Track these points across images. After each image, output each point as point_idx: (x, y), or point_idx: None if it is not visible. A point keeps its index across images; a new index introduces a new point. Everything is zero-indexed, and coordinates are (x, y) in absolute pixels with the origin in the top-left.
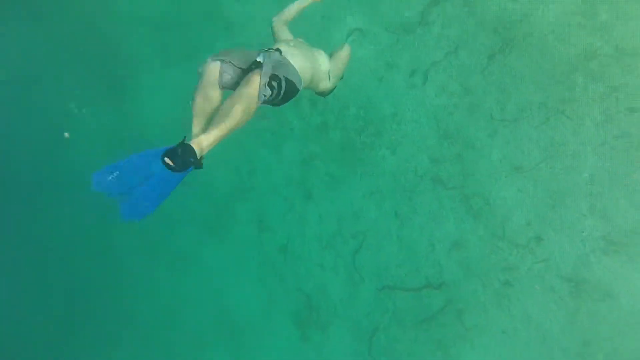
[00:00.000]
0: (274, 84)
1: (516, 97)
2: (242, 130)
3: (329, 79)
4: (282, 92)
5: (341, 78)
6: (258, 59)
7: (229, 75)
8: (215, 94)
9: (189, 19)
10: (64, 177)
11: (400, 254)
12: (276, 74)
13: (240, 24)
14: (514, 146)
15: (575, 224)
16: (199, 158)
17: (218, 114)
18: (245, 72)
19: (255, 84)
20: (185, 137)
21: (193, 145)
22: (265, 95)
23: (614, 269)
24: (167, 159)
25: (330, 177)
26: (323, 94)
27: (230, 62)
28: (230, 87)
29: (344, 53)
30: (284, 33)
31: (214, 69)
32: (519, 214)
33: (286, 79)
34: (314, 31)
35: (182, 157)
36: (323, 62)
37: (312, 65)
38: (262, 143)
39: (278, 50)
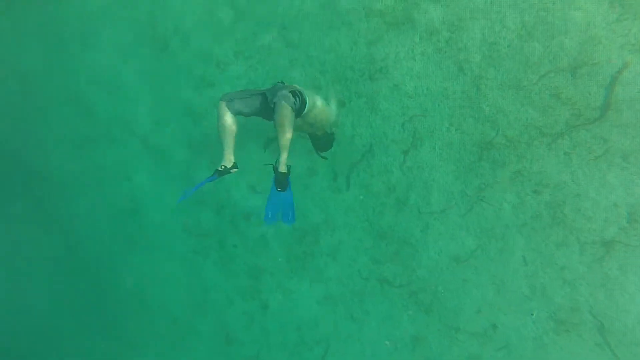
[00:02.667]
0: (293, 93)
1: (437, 189)
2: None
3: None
4: (299, 99)
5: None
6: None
7: (237, 104)
8: (228, 119)
9: None
10: None
11: (366, 356)
12: (291, 89)
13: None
14: (448, 237)
15: (521, 306)
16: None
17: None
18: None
19: (282, 101)
20: (273, 165)
21: (282, 170)
22: (292, 101)
23: (570, 349)
24: (278, 189)
25: (281, 288)
26: (324, 133)
27: (233, 98)
28: (241, 112)
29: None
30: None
31: (222, 105)
32: (468, 303)
33: (299, 91)
34: None
35: (281, 180)
36: (317, 99)
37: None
38: (210, 262)
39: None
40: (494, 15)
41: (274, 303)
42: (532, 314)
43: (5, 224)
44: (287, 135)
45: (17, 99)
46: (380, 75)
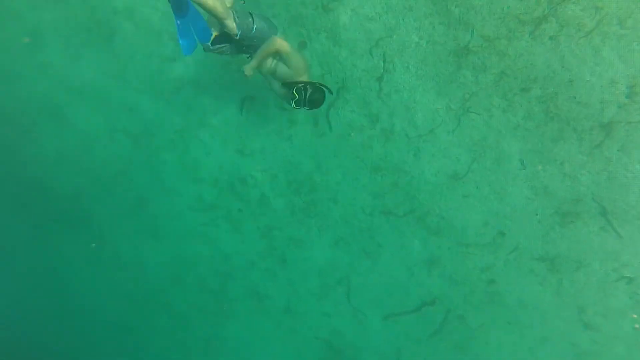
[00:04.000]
0: None
1: (421, 110)
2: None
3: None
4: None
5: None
6: None
7: None
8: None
9: None
10: None
11: (387, 286)
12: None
13: None
14: (441, 157)
15: (526, 209)
16: None
17: None
18: None
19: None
20: None
21: None
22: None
23: (577, 238)
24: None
25: (293, 241)
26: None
27: None
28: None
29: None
30: None
31: None
32: (474, 217)
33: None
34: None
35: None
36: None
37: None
38: (223, 231)
39: None
40: None
41: (290, 256)
42: (537, 214)
43: None
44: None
45: None
46: (335, 3)
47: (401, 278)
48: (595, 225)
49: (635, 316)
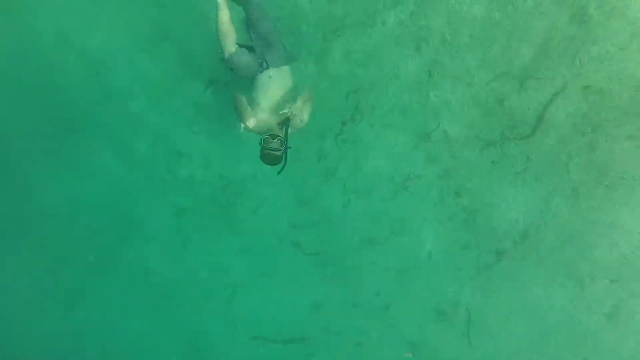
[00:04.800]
0: None
1: (367, 168)
2: None
3: None
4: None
5: None
6: None
7: None
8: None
9: None
10: None
11: (269, 309)
12: None
13: None
14: (366, 219)
15: (420, 296)
16: None
17: None
18: None
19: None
20: None
21: None
22: None
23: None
24: None
25: (203, 230)
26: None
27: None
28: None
29: None
30: None
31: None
32: (370, 283)
33: None
34: None
35: None
36: None
37: None
38: (140, 194)
39: None
40: None
41: (195, 241)
42: (410, 356)
43: None
44: None
45: None
46: (335, 36)
47: (284, 309)
48: (459, 332)
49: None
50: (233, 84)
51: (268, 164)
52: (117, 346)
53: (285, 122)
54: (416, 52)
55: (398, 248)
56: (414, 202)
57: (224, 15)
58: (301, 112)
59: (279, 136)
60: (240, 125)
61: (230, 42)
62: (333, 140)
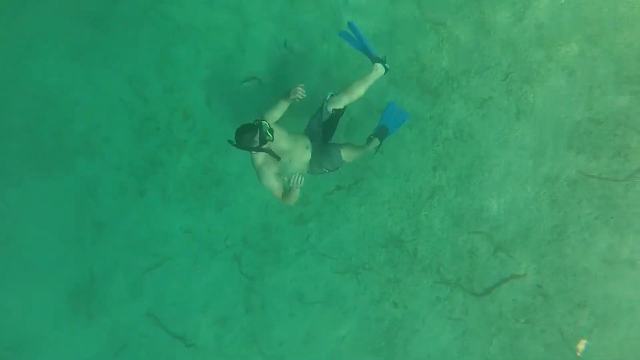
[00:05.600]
0: None
1: (334, 237)
2: None
3: None
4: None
5: None
6: None
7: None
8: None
9: None
10: None
11: (179, 297)
12: None
13: None
14: (306, 277)
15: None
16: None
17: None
18: None
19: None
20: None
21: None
22: None
23: None
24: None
25: (163, 193)
26: None
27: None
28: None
29: None
30: None
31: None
32: (280, 330)
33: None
34: None
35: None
36: None
37: None
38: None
39: None
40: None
41: (149, 197)
42: None
43: None
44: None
45: None
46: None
47: (192, 306)
48: None
49: None
50: None
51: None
52: None
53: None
54: (433, 171)
55: (319, 316)
56: (355, 289)
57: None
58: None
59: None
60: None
61: None
62: (321, 196)
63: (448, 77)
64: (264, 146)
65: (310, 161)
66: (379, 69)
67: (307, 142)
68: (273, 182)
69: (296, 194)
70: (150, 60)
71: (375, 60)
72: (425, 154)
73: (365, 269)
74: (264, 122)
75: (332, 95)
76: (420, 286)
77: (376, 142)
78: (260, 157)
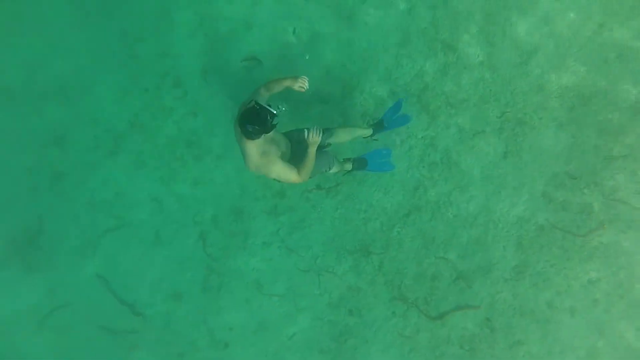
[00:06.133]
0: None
1: (303, 234)
2: None
3: None
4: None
5: None
6: None
7: None
8: None
9: None
10: None
11: (134, 265)
12: None
13: None
14: (272, 268)
15: None
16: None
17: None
18: None
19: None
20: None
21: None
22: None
23: None
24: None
25: (138, 157)
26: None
27: None
28: None
29: None
30: None
31: None
32: (232, 315)
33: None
34: None
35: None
36: None
37: None
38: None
39: None
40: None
41: (124, 160)
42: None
43: None
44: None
45: None
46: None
47: (146, 276)
48: None
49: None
50: None
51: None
52: None
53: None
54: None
55: (274, 309)
56: (317, 287)
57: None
58: None
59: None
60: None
61: None
62: (305, 200)
63: (447, 102)
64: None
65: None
66: (369, 132)
67: (287, 142)
68: (282, 164)
69: (313, 158)
70: (150, 17)
71: (376, 129)
72: (409, 172)
73: (329, 272)
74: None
75: (311, 130)
76: (378, 299)
77: (349, 166)
78: (262, 144)
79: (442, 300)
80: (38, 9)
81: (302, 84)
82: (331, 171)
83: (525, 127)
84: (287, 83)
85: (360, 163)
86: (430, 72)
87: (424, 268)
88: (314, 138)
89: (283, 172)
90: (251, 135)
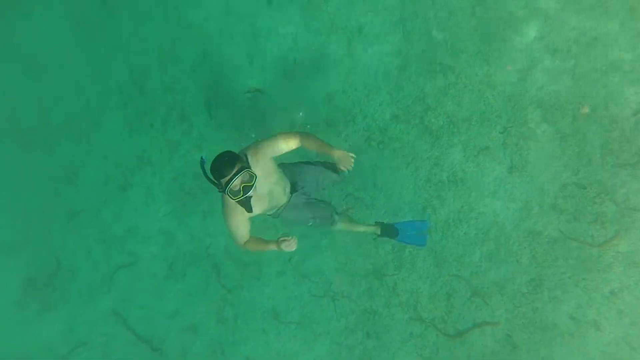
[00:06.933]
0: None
1: (316, 261)
2: None
3: None
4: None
5: None
6: None
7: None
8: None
9: None
10: None
11: (149, 300)
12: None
13: None
14: (286, 296)
15: None
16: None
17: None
18: None
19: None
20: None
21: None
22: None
23: None
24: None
25: (147, 191)
26: None
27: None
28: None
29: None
30: None
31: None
32: (249, 346)
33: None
34: None
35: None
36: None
37: None
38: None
39: None
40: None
41: (134, 195)
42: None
43: None
44: None
45: None
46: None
47: (161, 310)
48: None
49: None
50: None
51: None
52: None
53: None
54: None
55: (291, 336)
56: (333, 312)
57: None
58: None
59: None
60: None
61: None
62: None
63: (450, 122)
64: (239, 197)
65: (285, 207)
66: (376, 230)
67: (288, 186)
68: (242, 228)
69: (271, 249)
70: (156, 53)
71: (385, 232)
72: (417, 192)
73: (344, 296)
74: (253, 173)
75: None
76: (395, 320)
77: (377, 230)
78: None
79: (460, 318)
80: (47, 49)
81: (347, 164)
82: (335, 227)
83: (529, 141)
84: (334, 154)
85: (389, 231)
86: (431, 93)
87: (438, 287)
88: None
89: (234, 234)
90: (213, 183)
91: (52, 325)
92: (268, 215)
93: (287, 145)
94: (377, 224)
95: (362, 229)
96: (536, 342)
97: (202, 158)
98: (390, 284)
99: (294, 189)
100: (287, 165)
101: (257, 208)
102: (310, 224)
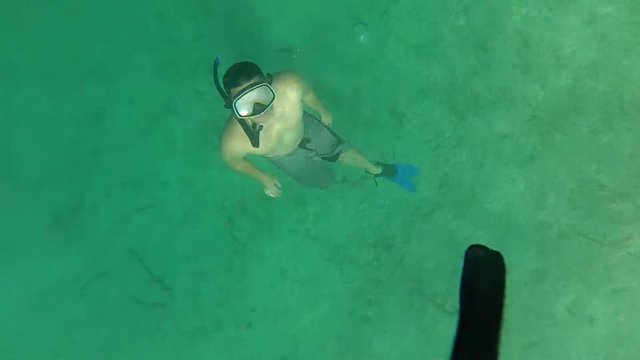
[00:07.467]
0: None
1: (328, 224)
2: None
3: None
4: None
5: None
6: None
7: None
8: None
9: None
10: None
11: (163, 242)
12: None
13: None
14: (295, 255)
15: None
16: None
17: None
18: None
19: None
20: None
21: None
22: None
23: None
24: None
25: (169, 138)
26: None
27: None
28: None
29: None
30: None
31: None
32: (255, 298)
33: None
34: None
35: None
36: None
37: None
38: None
39: None
40: None
41: (156, 141)
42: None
43: None
44: None
45: None
46: None
47: (177, 251)
48: None
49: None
50: None
51: None
52: None
53: None
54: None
55: (295, 294)
56: (339, 276)
57: None
58: None
59: None
60: None
61: None
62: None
63: (477, 104)
64: (251, 117)
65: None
66: (378, 170)
67: (300, 139)
68: (235, 158)
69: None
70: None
71: (385, 173)
72: (435, 170)
73: (351, 262)
74: (273, 91)
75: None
76: (398, 291)
77: (378, 170)
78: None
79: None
80: None
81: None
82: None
83: (556, 131)
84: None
85: (389, 170)
86: (461, 72)
87: (444, 265)
88: (272, 191)
89: (227, 159)
90: (222, 92)
91: (76, 255)
92: (265, 157)
93: (312, 102)
94: (378, 163)
95: (365, 164)
96: (529, 327)
97: (217, 58)
98: (398, 256)
99: (303, 144)
100: (311, 119)
101: (262, 147)
102: (302, 183)
